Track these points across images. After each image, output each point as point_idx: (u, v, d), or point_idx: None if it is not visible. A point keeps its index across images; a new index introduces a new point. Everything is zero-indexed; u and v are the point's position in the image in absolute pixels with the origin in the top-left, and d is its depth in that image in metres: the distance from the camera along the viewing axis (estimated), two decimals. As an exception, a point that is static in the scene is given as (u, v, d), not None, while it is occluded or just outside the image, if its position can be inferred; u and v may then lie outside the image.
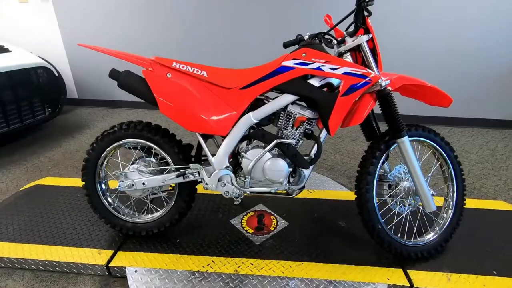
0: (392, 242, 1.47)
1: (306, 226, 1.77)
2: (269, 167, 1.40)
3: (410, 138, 1.51)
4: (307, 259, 1.53)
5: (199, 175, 1.48)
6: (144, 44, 3.90)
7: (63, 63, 4.15)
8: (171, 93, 1.40)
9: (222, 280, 1.41)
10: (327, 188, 2.17)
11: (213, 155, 1.49)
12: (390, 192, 1.55)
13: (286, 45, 1.50)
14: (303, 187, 1.52)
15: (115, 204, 1.67)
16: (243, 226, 1.77)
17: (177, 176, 1.48)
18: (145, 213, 1.72)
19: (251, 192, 1.46)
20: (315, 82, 1.37)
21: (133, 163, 1.60)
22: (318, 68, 1.33)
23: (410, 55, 3.42)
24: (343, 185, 2.24)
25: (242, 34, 3.65)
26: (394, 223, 1.63)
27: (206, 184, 1.46)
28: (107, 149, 1.56)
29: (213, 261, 1.52)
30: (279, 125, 1.47)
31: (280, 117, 1.46)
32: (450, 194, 1.62)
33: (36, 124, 3.20)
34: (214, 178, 1.44)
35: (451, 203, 1.61)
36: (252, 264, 1.50)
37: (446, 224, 1.59)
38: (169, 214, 1.61)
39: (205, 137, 1.53)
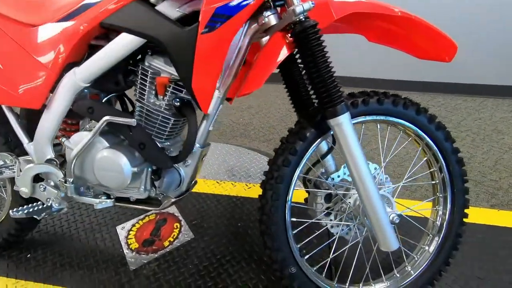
0: (318, 295, 0.88)
1: (219, 242, 1.21)
2: (97, 165, 0.82)
3: (363, 119, 0.84)
4: (191, 302, 1.00)
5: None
6: None
7: None
8: None
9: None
10: (275, 182, 1.56)
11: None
12: (327, 208, 0.93)
13: None
14: (184, 193, 0.94)
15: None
16: (128, 237, 1.25)
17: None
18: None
19: (80, 202, 0.91)
20: (169, 9, 0.73)
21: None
22: (163, -22, 0.68)
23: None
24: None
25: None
26: (331, 257, 1.00)
27: (16, 186, 0.92)
28: None
29: (54, 295, 1.04)
30: (136, 93, 0.87)
31: (137, 78, 0.85)
32: (440, 213, 0.96)
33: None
34: (26, 176, 0.89)
35: (440, 228, 0.95)
36: (104, 306, 0.99)
37: (426, 263, 0.95)
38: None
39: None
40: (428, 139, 0.90)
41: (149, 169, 0.88)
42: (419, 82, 2.80)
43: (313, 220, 0.90)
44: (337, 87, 0.73)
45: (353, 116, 0.84)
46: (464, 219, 0.94)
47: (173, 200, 0.92)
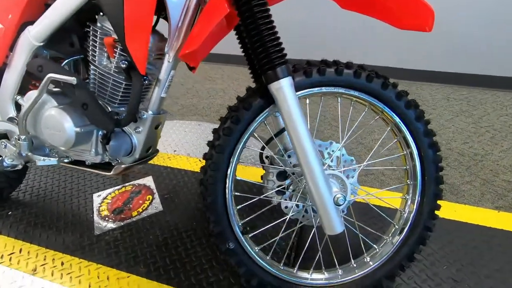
0: (256, 275, 0.82)
1: (184, 217, 1.20)
2: (44, 123, 0.83)
3: (318, 90, 0.77)
4: (141, 271, 0.99)
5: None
6: None
7: None
8: None
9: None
10: (253, 163, 1.51)
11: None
12: (279, 186, 0.87)
13: None
14: (137, 160, 0.93)
15: None
16: (101, 204, 1.28)
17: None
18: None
19: (35, 162, 0.92)
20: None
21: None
22: None
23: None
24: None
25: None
26: (279, 237, 0.90)
27: (-19, 142, 0.96)
28: None
29: (21, 250, 1.08)
30: (88, 55, 0.86)
31: (89, 40, 0.84)
32: (409, 202, 0.86)
33: None
34: (-13, 133, 0.93)
35: (407, 218, 0.86)
36: (62, 265, 1.02)
37: (387, 255, 0.85)
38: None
39: None
40: (396, 118, 0.80)
41: (100, 133, 0.88)
42: (442, 72, 2.57)
43: (260, 197, 0.85)
44: (277, 47, 0.67)
45: (307, 87, 0.77)
46: (436, 212, 0.84)
47: (123, 166, 0.91)
